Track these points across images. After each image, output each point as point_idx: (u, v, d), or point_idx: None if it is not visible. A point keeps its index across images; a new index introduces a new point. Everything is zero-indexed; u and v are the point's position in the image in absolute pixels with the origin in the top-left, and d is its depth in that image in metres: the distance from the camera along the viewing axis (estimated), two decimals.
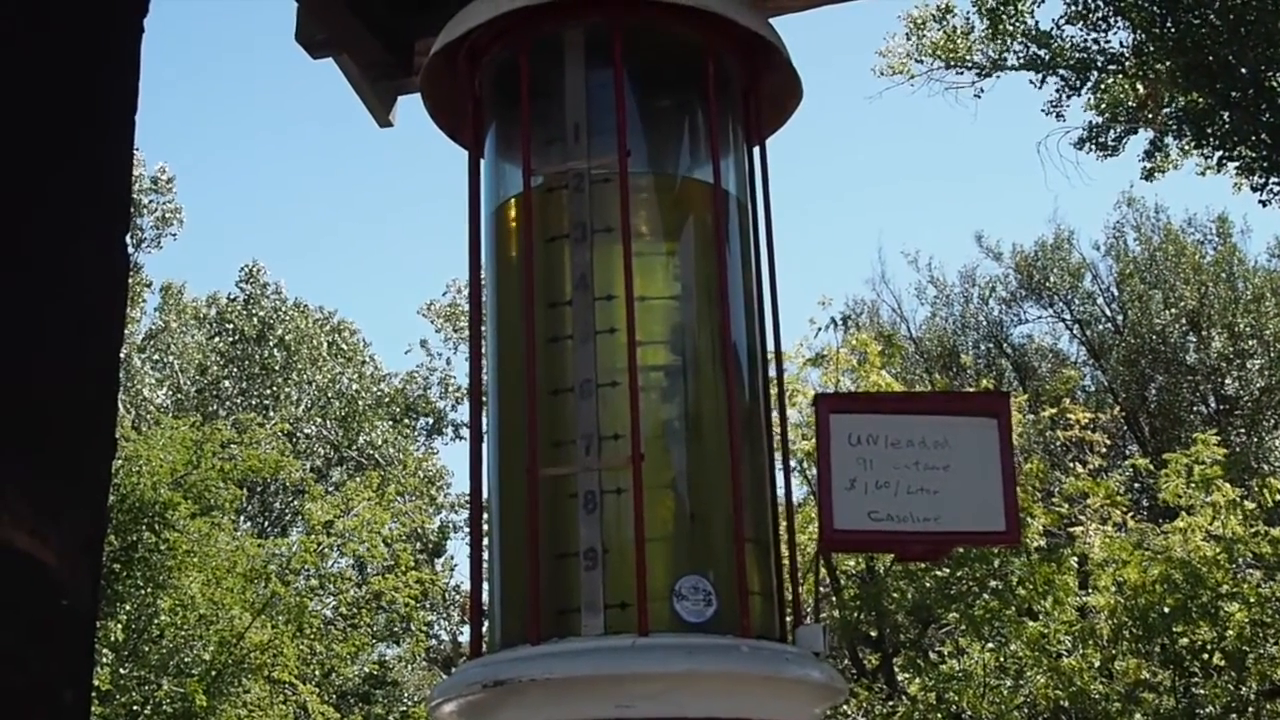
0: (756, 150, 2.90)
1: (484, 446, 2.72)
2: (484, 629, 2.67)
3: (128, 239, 2.39)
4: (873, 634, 15.74)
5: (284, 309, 35.84)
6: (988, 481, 2.71)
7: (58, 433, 2.17)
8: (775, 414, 2.84)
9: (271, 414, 31.52)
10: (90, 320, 2.27)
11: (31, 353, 2.15)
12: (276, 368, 34.65)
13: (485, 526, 2.70)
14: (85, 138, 2.32)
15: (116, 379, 2.44)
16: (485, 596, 2.70)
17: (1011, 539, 2.80)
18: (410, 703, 29.45)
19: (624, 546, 2.44)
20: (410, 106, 3.72)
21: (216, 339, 34.96)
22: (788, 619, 2.67)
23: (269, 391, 34.23)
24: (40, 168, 2.23)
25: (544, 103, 2.70)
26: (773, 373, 2.83)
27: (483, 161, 2.86)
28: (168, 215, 32.97)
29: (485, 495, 2.71)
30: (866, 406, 2.92)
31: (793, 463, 13.73)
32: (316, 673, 19.95)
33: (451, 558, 34.04)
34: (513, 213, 2.76)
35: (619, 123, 2.61)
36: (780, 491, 2.83)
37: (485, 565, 2.69)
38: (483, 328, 2.81)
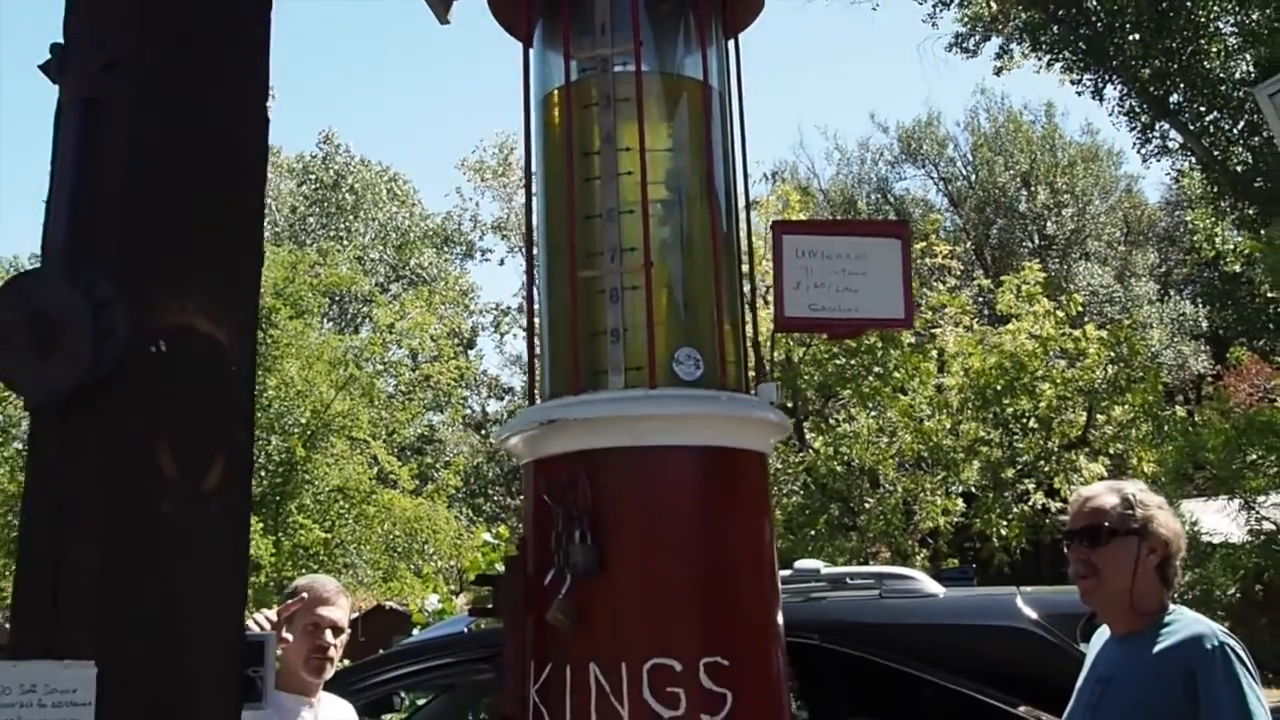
0: (731, 43, 2.84)
1: (537, 257, 2.72)
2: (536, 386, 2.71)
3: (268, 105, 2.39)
4: (789, 405, 15.96)
5: (353, 164, 35.27)
6: (892, 283, 2.73)
7: (229, 248, 2.21)
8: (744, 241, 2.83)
9: (345, 243, 31.21)
10: (249, 170, 2.30)
11: (213, 192, 2.18)
12: (348, 208, 34.22)
13: (536, 315, 2.72)
14: (253, 18, 2.32)
15: (263, 211, 2.47)
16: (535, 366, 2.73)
17: (908, 324, 2.84)
18: (451, 455, 29.79)
19: (638, 327, 2.45)
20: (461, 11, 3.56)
21: (303, 186, 34.42)
22: (752, 379, 2.71)
23: (343, 226, 33.86)
24: (224, 64, 2.24)
25: (579, 7, 2.65)
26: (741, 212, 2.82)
27: (531, 51, 2.80)
28: None
29: (535, 293, 2.72)
30: (809, 229, 2.92)
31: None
32: (383, 433, 20.16)
33: (480, 350, 34.19)
34: (556, 89, 2.71)
35: (634, 19, 2.58)
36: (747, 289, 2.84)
37: (538, 342, 2.70)
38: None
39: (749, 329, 2.75)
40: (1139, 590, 2.95)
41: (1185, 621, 2.93)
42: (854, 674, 4.05)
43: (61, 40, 2.16)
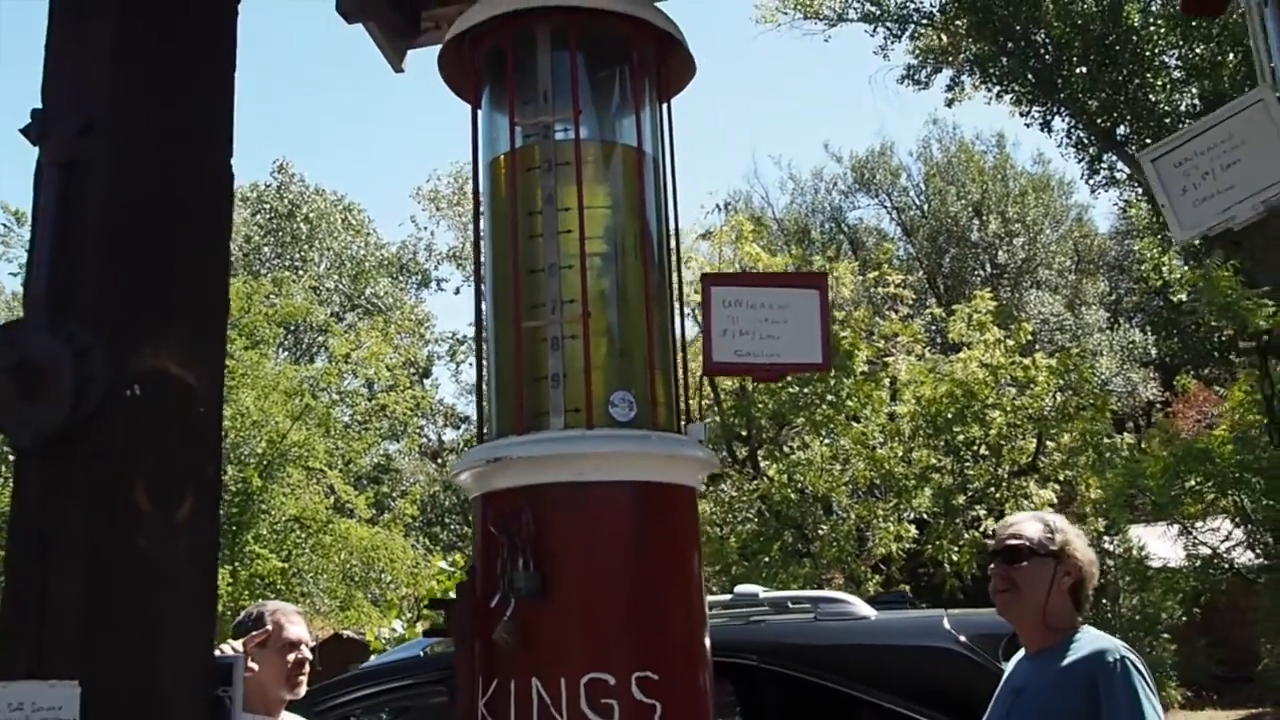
0: (665, 106, 3.02)
1: (484, 306, 2.88)
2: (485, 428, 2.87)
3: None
4: (744, 433, 16.09)
5: (307, 193, 35.18)
6: (810, 330, 2.93)
7: (198, 297, 2.40)
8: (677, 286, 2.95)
9: (300, 272, 31.15)
10: (215, 223, 2.49)
11: (182, 245, 2.38)
12: (303, 238, 34.13)
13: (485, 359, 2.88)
14: (218, 83, 2.52)
15: (229, 261, 2.65)
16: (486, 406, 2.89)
17: (825, 368, 3.05)
18: (408, 484, 29.69)
19: (577, 372, 2.63)
20: (413, 57, 3.72)
21: (258, 215, 34.28)
22: (682, 420, 2.88)
23: (298, 255, 33.77)
24: (191, 124, 2.44)
25: (523, 75, 2.83)
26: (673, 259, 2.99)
27: (479, 112, 2.98)
28: None
29: (485, 339, 2.88)
30: (734, 281, 3.11)
31: (687, 309, 13.87)
32: (339, 462, 20.06)
33: (436, 379, 34.16)
34: (502, 155, 2.88)
35: (573, 89, 2.77)
36: (678, 335, 3.01)
37: (485, 385, 2.87)
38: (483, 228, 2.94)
39: (680, 370, 2.91)
40: (1052, 607, 3.22)
41: (1090, 638, 3.22)
42: (790, 693, 4.27)
43: (40, 105, 2.34)
